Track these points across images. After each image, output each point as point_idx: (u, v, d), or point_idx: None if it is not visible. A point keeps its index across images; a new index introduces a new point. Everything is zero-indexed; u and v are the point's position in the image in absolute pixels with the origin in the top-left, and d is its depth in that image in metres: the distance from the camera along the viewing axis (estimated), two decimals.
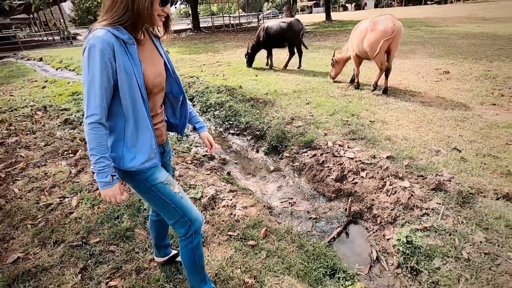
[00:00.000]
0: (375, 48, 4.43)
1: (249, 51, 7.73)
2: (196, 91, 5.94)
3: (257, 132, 3.93)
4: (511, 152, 2.87)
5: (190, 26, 24.34)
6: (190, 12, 24.65)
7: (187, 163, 3.14)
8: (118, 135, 1.17)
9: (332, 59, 5.67)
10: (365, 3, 51.37)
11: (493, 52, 7.60)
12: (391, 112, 4.12)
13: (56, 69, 11.68)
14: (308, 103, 4.66)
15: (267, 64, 7.90)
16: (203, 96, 5.57)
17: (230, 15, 33.68)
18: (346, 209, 2.47)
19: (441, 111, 4.02)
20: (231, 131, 4.26)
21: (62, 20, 28.78)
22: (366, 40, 4.61)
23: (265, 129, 3.90)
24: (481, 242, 1.86)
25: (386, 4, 49.31)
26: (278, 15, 32.63)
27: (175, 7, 28.07)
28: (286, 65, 7.51)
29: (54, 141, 4.02)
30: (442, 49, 8.57)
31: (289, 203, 2.71)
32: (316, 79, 6.27)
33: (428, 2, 42.85)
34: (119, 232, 2.21)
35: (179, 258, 1.86)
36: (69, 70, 11.07)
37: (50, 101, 6.00)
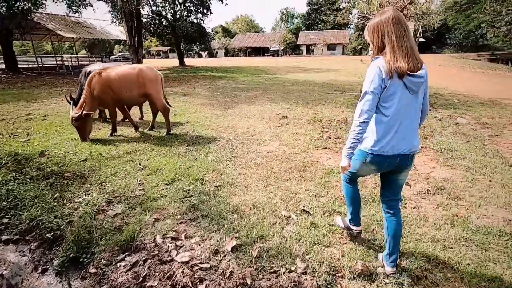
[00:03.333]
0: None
1: (69, 100, 6.01)
2: None
3: (48, 235, 2.44)
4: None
5: (2, 66, 18.80)
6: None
7: None
8: None
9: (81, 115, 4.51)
10: (217, 52, 57.02)
11: (315, 97, 9.12)
12: (239, 168, 3.65)
13: None
14: (142, 168, 3.62)
15: (100, 116, 6.36)
16: None
17: (70, 55, 28.87)
18: None
19: (285, 161, 3.90)
20: (2, 237, 2.57)
21: None
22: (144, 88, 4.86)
23: (62, 227, 2.50)
24: None
25: (234, 53, 56.31)
26: (129, 59, 30.78)
27: None
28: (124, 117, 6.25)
29: None
30: (280, 94, 9.65)
31: None
32: (161, 130, 5.37)
33: (265, 54, 52.32)
34: None
35: None
36: None
37: None
